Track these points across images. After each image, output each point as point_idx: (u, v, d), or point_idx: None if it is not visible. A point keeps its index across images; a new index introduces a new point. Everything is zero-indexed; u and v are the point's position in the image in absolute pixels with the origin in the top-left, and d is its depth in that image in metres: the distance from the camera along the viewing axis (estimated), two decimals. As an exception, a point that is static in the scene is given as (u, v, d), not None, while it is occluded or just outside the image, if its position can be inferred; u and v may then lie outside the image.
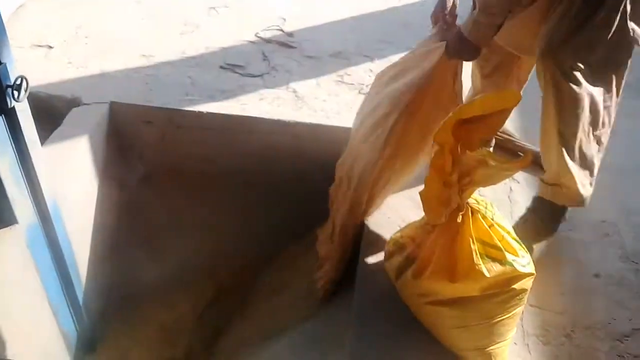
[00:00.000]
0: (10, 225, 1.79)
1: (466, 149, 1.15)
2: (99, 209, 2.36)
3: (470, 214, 1.38)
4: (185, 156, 2.50)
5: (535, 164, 1.69)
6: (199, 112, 2.40)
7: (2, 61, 1.53)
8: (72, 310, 2.11)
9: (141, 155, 2.54)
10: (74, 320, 2.14)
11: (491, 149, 1.98)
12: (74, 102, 2.41)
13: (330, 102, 2.56)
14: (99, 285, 2.36)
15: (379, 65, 2.93)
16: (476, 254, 1.36)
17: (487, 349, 1.44)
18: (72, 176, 2.14)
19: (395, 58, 2.96)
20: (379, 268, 1.70)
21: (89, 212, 2.32)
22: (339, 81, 2.75)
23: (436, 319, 1.45)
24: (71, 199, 2.12)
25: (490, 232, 1.39)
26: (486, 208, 1.43)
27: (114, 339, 2.30)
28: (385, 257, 1.57)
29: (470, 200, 1.40)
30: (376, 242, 1.78)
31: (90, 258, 2.33)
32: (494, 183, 1.39)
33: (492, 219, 1.42)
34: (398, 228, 1.67)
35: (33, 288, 1.90)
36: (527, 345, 1.54)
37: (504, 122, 1.22)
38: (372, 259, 1.74)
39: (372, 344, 1.51)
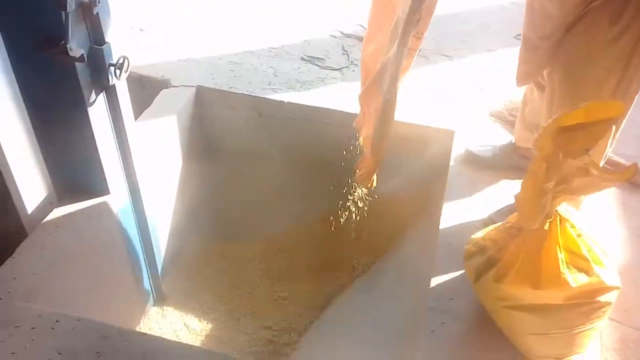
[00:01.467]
0: (104, 195, 1.90)
1: (567, 156, 1.14)
2: (181, 186, 2.47)
3: (558, 222, 1.37)
4: (264, 142, 2.57)
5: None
6: (281, 101, 2.46)
7: (106, 40, 1.62)
8: (150, 275, 2.22)
9: (224, 138, 2.62)
10: (150, 284, 2.25)
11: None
12: (163, 84, 2.52)
13: (409, 99, 2.56)
14: (175, 252, 2.47)
15: (458, 64, 2.92)
16: (562, 263, 1.35)
17: (565, 359, 1.43)
18: (158, 154, 2.23)
19: (473, 59, 2.99)
20: (454, 266, 1.72)
21: (172, 188, 2.42)
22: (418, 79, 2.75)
23: (514, 323, 1.45)
24: (157, 175, 2.23)
25: (578, 241, 1.37)
26: (575, 218, 1.42)
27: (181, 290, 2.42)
28: (464, 257, 1.57)
29: (560, 208, 1.38)
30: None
31: (172, 230, 2.44)
32: (590, 193, 1.38)
33: (581, 229, 1.40)
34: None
35: (119, 253, 2.01)
36: (605, 359, 1.52)
37: (607, 132, 1.20)
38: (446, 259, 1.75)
39: (444, 342, 1.52)
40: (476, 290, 1.54)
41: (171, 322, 2.24)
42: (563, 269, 1.35)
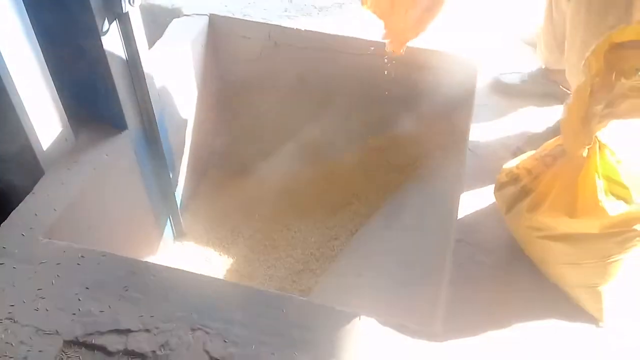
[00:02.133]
0: (120, 129, 1.85)
1: (621, 75, 1.07)
2: (197, 119, 2.41)
3: (597, 148, 1.31)
4: (279, 72, 2.48)
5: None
6: (297, 29, 2.35)
7: (119, -34, 1.53)
8: (169, 210, 2.20)
9: (238, 69, 2.54)
10: (170, 219, 2.24)
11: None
12: (175, 13, 2.41)
13: (433, 25, 2.43)
14: (193, 187, 2.45)
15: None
16: (600, 191, 1.29)
17: (598, 288, 1.40)
18: (173, 86, 2.16)
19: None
20: (481, 198, 1.68)
21: (188, 122, 2.37)
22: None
23: (548, 253, 1.42)
24: (172, 108, 2.17)
25: (618, 169, 1.31)
26: (615, 143, 1.35)
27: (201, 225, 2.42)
28: (496, 186, 1.52)
29: (600, 134, 1.31)
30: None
31: (189, 165, 2.40)
32: (638, 117, 1.30)
33: (621, 155, 1.33)
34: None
35: (137, 189, 1.98)
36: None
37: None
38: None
39: (472, 275, 1.49)
40: (507, 221, 1.50)
41: (192, 257, 2.25)
42: (601, 196, 1.29)
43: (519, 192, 1.43)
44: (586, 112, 1.16)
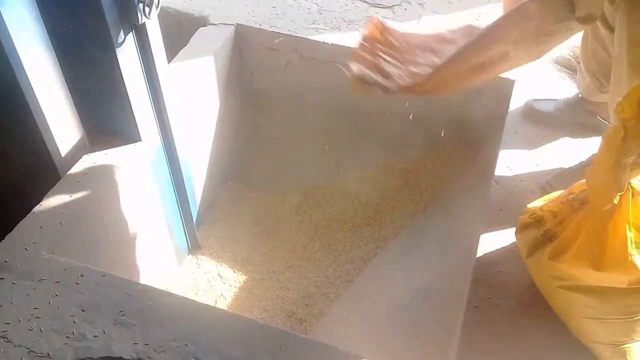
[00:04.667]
0: (135, 142, 1.82)
1: (655, 125, 0.96)
2: (217, 131, 2.37)
3: (630, 196, 1.20)
4: (303, 85, 2.42)
5: None
6: (324, 42, 2.28)
7: (132, -25, 1.50)
8: (184, 223, 2.17)
9: (263, 81, 2.49)
10: (185, 232, 2.21)
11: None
12: (201, 21, 2.38)
13: (465, 44, 2.34)
14: (211, 201, 2.40)
15: (523, 5, 2.64)
16: (631, 243, 1.19)
17: (623, 346, 1.29)
18: (194, 97, 2.13)
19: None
20: (504, 235, 1.57)
21: (208, 133, 2.33)
22: (476, 19, 2.50)
23: (569, 305, 1.31)
24: (192, 119, 2.13)
25: (652, 219, 1.20)
26: (650, 191, 1.23)
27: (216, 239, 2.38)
28: (517, 228, 1.42)
29: (632, 181, 1.20)
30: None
31: (207, 178, 2.36)
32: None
33: (656, 205, 1.22)
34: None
35: (152, 205, 1.95)
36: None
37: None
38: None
39: (487, 319, 1.40)
40: (528, 265, 1.40)
41: (205, 272, 2.20)
42: (631, 250, 1.18)
43: (542, 236, 1.33)
44: (617, 161, 1.05)
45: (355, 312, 1.93)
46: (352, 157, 2.45)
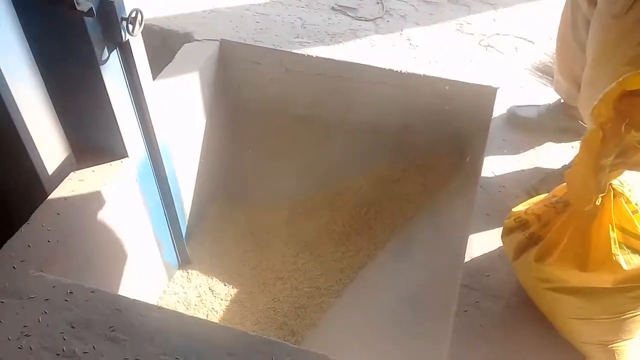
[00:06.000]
0: (121, 158, 1.82)
1: (631, 127, 0.98)
2: (204, 146, 2.38)
3: (612, 197, 1.22)
4: (289, 99, 2.44)
5: None
6: (309, 56, 2.31)
7: (118, -8, 1.51)
8: (175, 244, 2.16)
9: (249, 96, 2.50)
10: (175, 247, 2.20)
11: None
12: (185, 38, 2.39)
13: (447, 53, 2.37)
14: (199, 215, 2.40)
15: (503, 14, 2.69)
16: (615, 243, 1.21)
17: (611, 345, 1.31)
18: (180, 113, 2.13)
19: (523, 7, 2.74)
20: (491, 239, 1.59)
21: (195, 149, 2.33)
22: (458, 30, 2.54)
23: (557, 306, 1.32)
24: (179, 135, 2.14)
25: (634, 219, 1.22)
26: (630, 191, 1.26)
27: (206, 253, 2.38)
28: (503, 232, 1.44)
29: (614, 182, 1.23)
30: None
31: (195, 192, 2.36)
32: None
33: (637, 204, 1.24)
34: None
35: (141, 221, 1.95)
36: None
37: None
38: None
39: (477, 322, 1.41)
40: (515, 268, 1.42)
41: (196, 286, 2.20)
42: (615, 249, 1.21)
43: (527, 239, 1.35)
44: (596, 163, 1.07)
45: (347, 321, 1.94)
46: (339, 169, 2.46)
